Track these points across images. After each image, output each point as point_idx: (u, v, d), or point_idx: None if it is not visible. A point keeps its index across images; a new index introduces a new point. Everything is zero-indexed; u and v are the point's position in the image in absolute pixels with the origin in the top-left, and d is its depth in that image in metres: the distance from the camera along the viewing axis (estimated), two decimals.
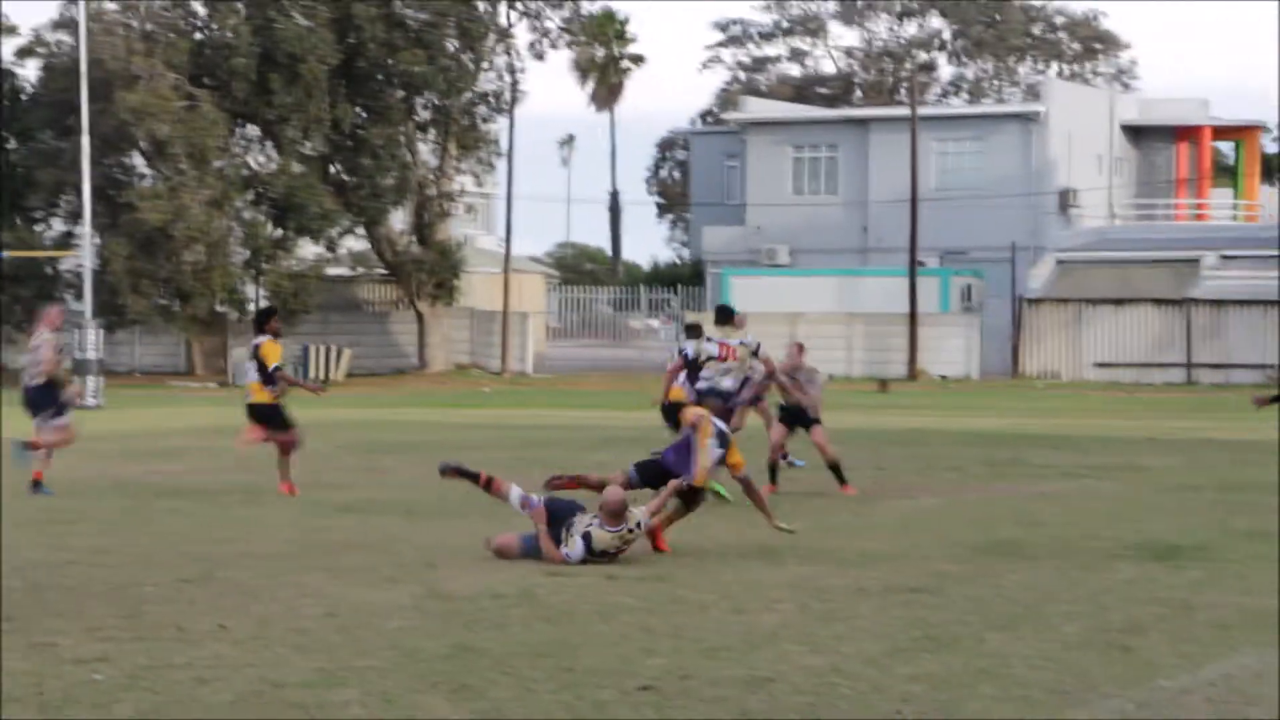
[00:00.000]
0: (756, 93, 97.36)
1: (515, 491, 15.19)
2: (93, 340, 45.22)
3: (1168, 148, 79.26)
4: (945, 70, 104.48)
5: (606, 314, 73.60)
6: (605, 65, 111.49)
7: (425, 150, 64.61)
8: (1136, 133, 78.16)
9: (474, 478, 15.56)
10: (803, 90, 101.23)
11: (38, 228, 64.39)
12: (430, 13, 60.83)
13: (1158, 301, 60.70)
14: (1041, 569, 14.21)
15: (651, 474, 15.90)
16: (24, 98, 63.48)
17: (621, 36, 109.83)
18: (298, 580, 13.47)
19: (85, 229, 50.41)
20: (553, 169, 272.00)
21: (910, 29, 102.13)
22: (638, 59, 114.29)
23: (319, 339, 65.03)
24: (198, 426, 34.71)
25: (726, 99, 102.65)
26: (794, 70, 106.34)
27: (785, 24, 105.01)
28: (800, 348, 21.90)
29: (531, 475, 22.80)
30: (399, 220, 66.44)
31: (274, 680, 9.77)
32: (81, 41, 50.88)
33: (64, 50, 60.09)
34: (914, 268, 61.76)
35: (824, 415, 21.80)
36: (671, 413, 20.19)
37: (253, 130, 62.05)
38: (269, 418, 21.28)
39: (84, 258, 50.56)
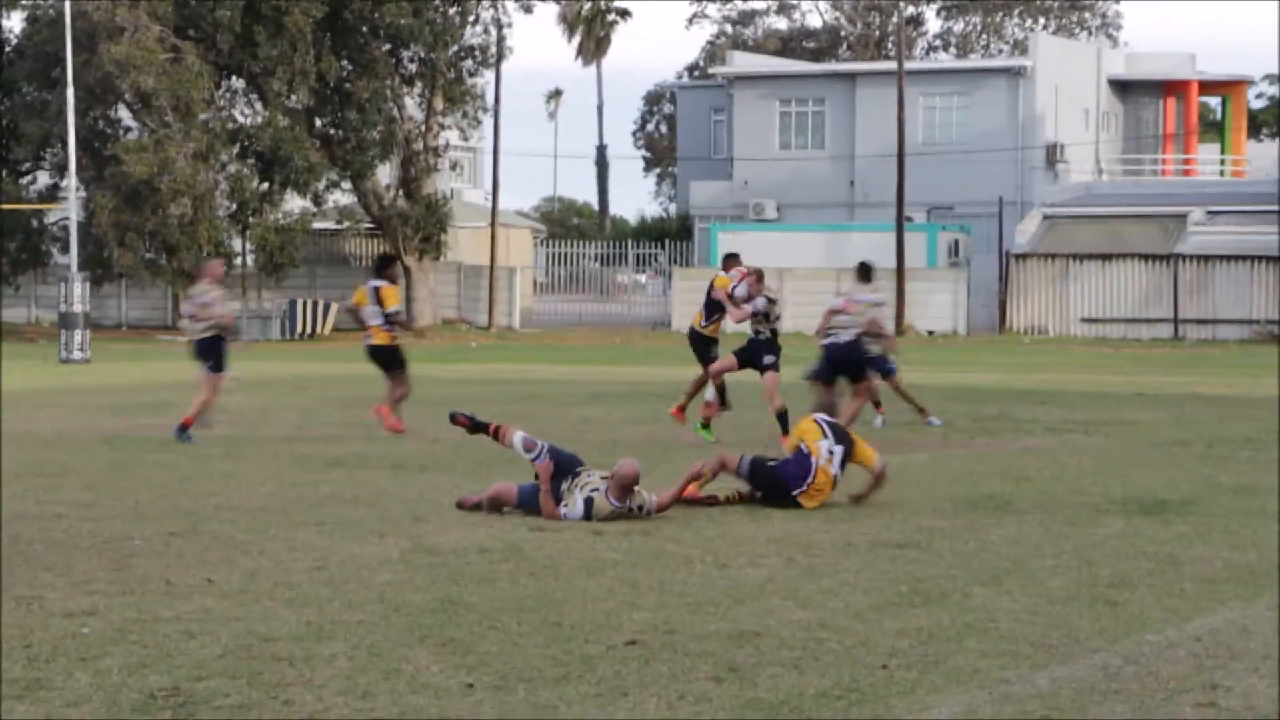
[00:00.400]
0: (743, 47, 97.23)
1: (518, 435, 15.10)
2: (79, 294, 45.11)
3: (1155, 102, 79.22)
4: (932, 24, 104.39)
5: (593, 269, 73.52)
6: (592, 19, 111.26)
7: (411, 104, 64.44)
8: (1124, 87, 78.10)
9: (484, 428, 15.48)
10: (789, 44, 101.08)
11: (23, 180, 64.25)
12: None
13: (1145, 257, 60.73)
14: (1028, 524, 14.23)
15: (764, 478, 15.23)
16: (8, 50, 63.25)
17: None
18: (285, 534, 13.48)
19: (71, 182, 50.27)
20: (540, 123, 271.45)
21: None
22: (624, 13, 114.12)
23: (306, 293, 65.00)
24: (185, 380, 34.65)
25: (713, 53, 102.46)
26: (781, 24, 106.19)
27: None
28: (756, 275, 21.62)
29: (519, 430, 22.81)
30: (385, 174, 66.32)
31: (262, 633, 9.78)
32: None
33: (48, 2, 59.88)
34: (901, 223, 61.73)
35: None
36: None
37: (238, 83, 61.87)
38: (388, 360, 22.67)
39: (70, 211, 50.43)
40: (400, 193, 64.27)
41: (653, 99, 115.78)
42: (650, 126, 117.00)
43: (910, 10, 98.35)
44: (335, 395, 30.07)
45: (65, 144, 50.50)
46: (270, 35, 57.67)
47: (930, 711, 8.19)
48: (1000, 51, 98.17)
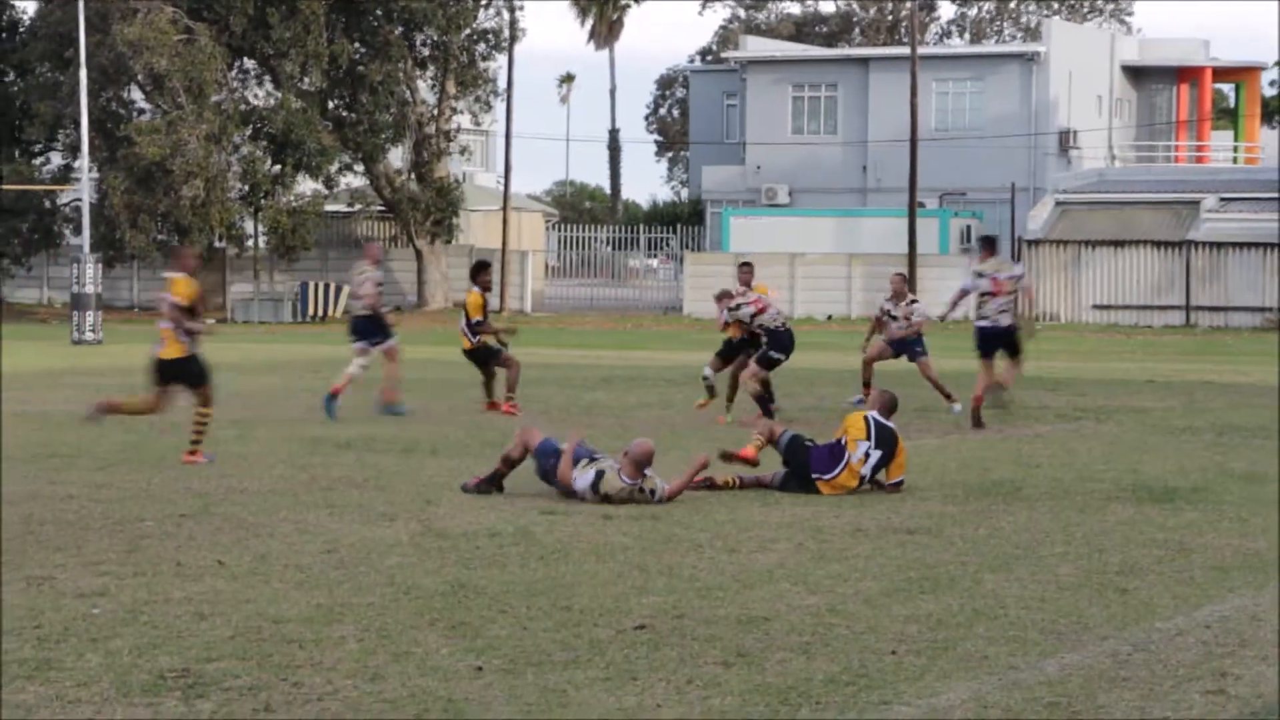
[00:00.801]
0: (756, 31, 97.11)
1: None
2: (91, 275, 45.15)
3: (1168, 89, 79.07)
4: (946, 9, 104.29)
5: (605, 253, 73.46)
6: (604, 2, 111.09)
7: (424, 87, 64.42)
8: (1137, 73, 77.95)
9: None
10: (802, 29, 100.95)
11: (36, 161, 64.31)
12: None
13: (1157, 243, 60.63)
14: (1038, 510, 14.23)
15: (796, 456, 15.29)
16: (22, 30, 63.30)
17: None
18: (296, 517, 13.50)
19: (83, 163, 50.30)
20: (552, 107, 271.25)
21: None
22: None
23: (317, 275, 65.03)
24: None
25: (726, 37, 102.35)
26: (794, 8, 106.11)
27: None
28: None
29: (529, 415, 22.85)
30: (397, 157, 66.31)
31: (272, 616, 9.80)
32: None
33: None
34: (913, 208, 61.66)
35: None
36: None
37: (251, 65, 61.88)
38: (482, 357, 23.68)
39: (82, 192, 50.45)
40: (412, 176, 64.27)
41: (665, 83, 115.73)
42: (663, 111, 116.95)
43: None
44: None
45: (78, 125, 50.55)
46: (283, 17, 57.66)
47: (939, 697, 8.20)
48: (1013, 37, 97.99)
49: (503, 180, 69.62)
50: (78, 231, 55.92)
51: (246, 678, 8.43)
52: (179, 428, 20.62)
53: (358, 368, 22.76)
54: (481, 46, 63.81)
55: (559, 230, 77.47)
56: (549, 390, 27.15)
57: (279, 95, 59.79)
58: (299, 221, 60.01)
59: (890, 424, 15.45)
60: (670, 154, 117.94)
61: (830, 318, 60.20)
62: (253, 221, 61.67)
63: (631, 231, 74.90)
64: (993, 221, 66.36)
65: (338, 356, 37.24)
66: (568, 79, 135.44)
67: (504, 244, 65.08)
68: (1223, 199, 62.94)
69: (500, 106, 68.18)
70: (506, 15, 65.06)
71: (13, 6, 64.23)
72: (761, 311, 22.29)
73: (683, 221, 76.96)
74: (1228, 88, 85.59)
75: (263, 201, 59.68)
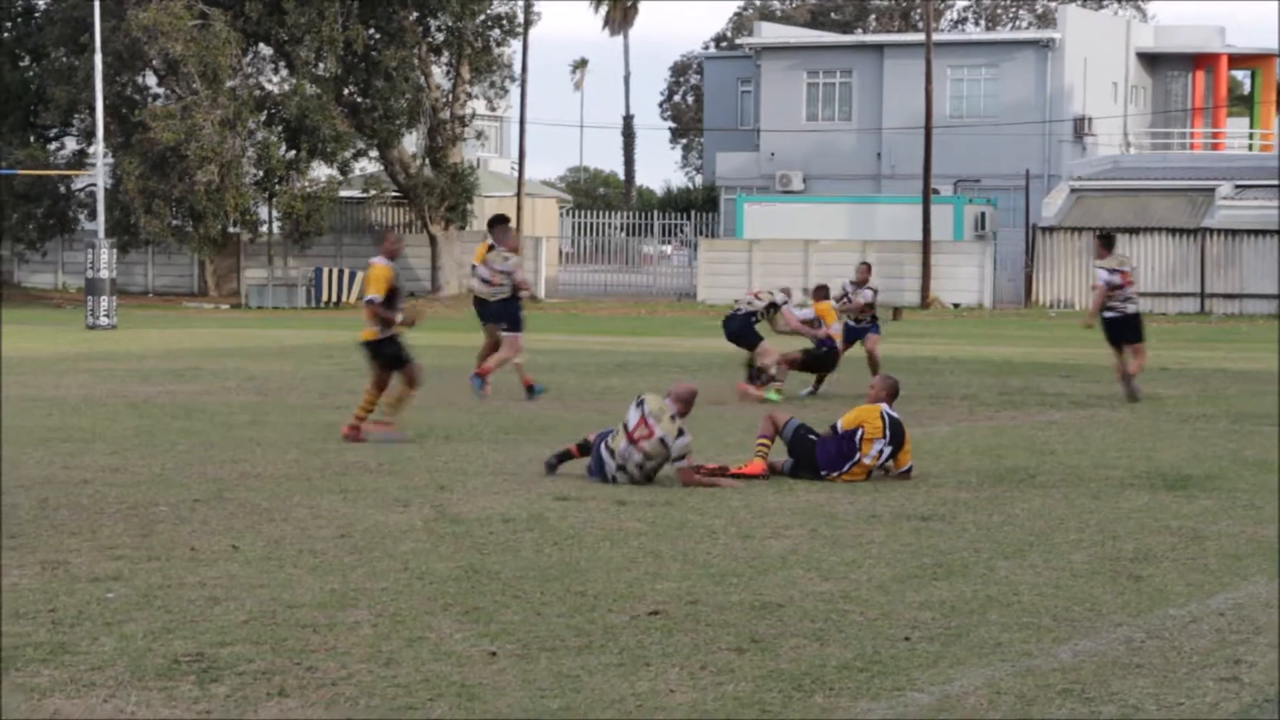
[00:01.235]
0: (771, 17, 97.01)
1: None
2: (106, 260, 45.20)
3: (1183, 76, 78.90)
4: None
5: (619, 239, 73.42)
6: None
7: (438, 73, 64.41)
8: (1152, 60, 77.79)
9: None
10: (817, 15, 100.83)
11: (51, 146, 64.38)
12: None
13: (1172, 231, 60.53)
14: (1052, 497, 14.23)
15: (801, 448, 15.22)
16: (37, 15, 63.34)
17: None
18: (310, 502, 13.52)
19: (98, 148, 50.35)
20: (566, 93, 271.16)
21: None
22: None
23: (331, 261, 65.07)
24: (211, 348, 34.77)
25: (741, 23, 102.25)
26: None
27: None
28: None
29: (544, 400, 22.87)
30: (412, 143, 66.30)
31: (286, 600, 9.82)
32: None
33: None
34: (928, 195, 61.59)
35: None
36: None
37: (266, 50, 61.90)
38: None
39: (97, 177, 50.50)
40: (426, 161, 64.27)
41: (680, 69, 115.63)
42: (677, 97, 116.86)
43: None
44: (360, 363, 30.07)
45: (93, 110, 50.57)
46: (298, 3, 57.65)
47: (952, 684, 8.20)
48: (1029, 24, 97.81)
49: (517, 166, 69.59)
50: (92, 217, 55.97)
51: (261, 662, 8.44)
52: (192, 413, 20.67)
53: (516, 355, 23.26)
54: (496, 32, 63.76)
55: (573, 216, 77.43)
56: (563, 376, 27.15)
57: (294, 81, 59.80)
58: (313, 207, 60.03)
59: (897, 415, 15.44)
60: (684, 140, 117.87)
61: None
62: (267, 207, 61.71)
63: (646, 218, 74.86)
64: (1007, 208, 66.32)
65: (349, 341, 37.28)
66: (581, 65, 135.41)
67: (518, 230, 65.03)
68: (1238, 186, 62.82)
69: (515, 92, 68.23)
70: (520, 1, 65.06)
71: None
72: (810, 323, 24.04)
73: (697, 208, 76.92)
74: (1243, 74, 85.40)
75: (277, 187, 59.70)
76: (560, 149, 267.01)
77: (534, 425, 19.41)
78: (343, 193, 64.19)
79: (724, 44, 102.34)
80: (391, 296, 18.04)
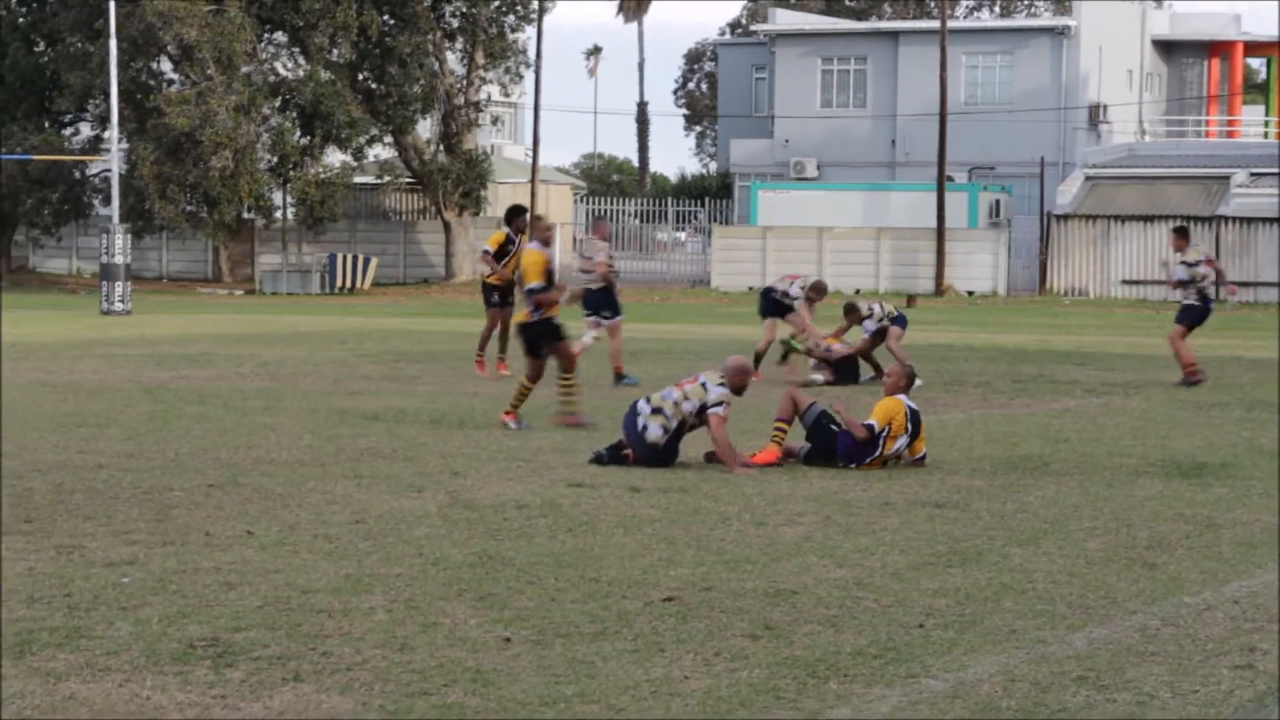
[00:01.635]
0: (785, 4, 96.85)
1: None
2: (120, 245, 45.25)
3: (1199, 63, 78.74)
4: None
5: (633, 226, 73.41)
6: None
7: (453, 59, 64.40)
8: (1167, 48, 77.63)
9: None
10: (832, 2, 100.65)
11: (66, 132, 64.44)
12: None
13: (1187, 218, 60.40)
14: (1066, 485, 14.22)
15: (821, 436, 15.23)
16: (52, 0, 63.36)
17: None
18: (324, 487, 13.53)
19: (113, 134, 50.40)
20: (580, 80, 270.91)
21: None
22: None
23: (345, 247, 65.10)
24: (225, 333, 34.81)
25: (755, 10, 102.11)
26: None
27: None
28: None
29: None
30: (426, 129, 66.30)
31: (301, 586, 9.83)
32: None
33: None
34: (942, 182, 61.52)
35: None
36: None
37: (280, 36, 61.91)
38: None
39: (112, 162, 50.55)
40: (441, 148, 64.27)
41: (694, 56, 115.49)
42: (691, 84, 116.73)
43: None
44: (374, 349, 30.14)
45: (108, 96, 50.62)
46: None
47: (967, 671, 8.20)
48: (1044, 11, 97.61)
49: (531, 153, 69.58)
50: (107, 202, 56.01)
51: (275, 647, 8.46)
52: (207, 398, 20.70)
53: (590, 339, 23.70)
54: (510, 18, 63.76)
55: (587, 203, 77.44)
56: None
57: (308, 67, 59.83)
58: (327, 193, 60.08)
59: (915, 404, 15.46)
60: (699, 127, 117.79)
61: (858, 292, 60.14)
62: (281, 193, 61.75)
63: (659, 205, 74.84)
64: (1022, 196, 66.22)
65: (366, 328, 37.35)
66: (595, 51, 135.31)
67: (532, 216, 64.99)
68: (1253, 174, 62.69)
69: (529, 78, 68.20)
70: None
71: None
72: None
73: (711, 195, 76.89)
74: (1259, 62, 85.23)
75: (291, 173, 59.74)
76: (574, 135, 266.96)
77: (547, 412, 19.41)
78: (357, 179, 64.23)
79: (738, 31, 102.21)
80: (548, 281, 18.38)
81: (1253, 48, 79.77)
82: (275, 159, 59.67)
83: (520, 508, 12.66)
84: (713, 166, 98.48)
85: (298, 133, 59.80)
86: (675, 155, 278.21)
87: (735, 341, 28.71)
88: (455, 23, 63.06)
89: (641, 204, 76.22)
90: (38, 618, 8.98)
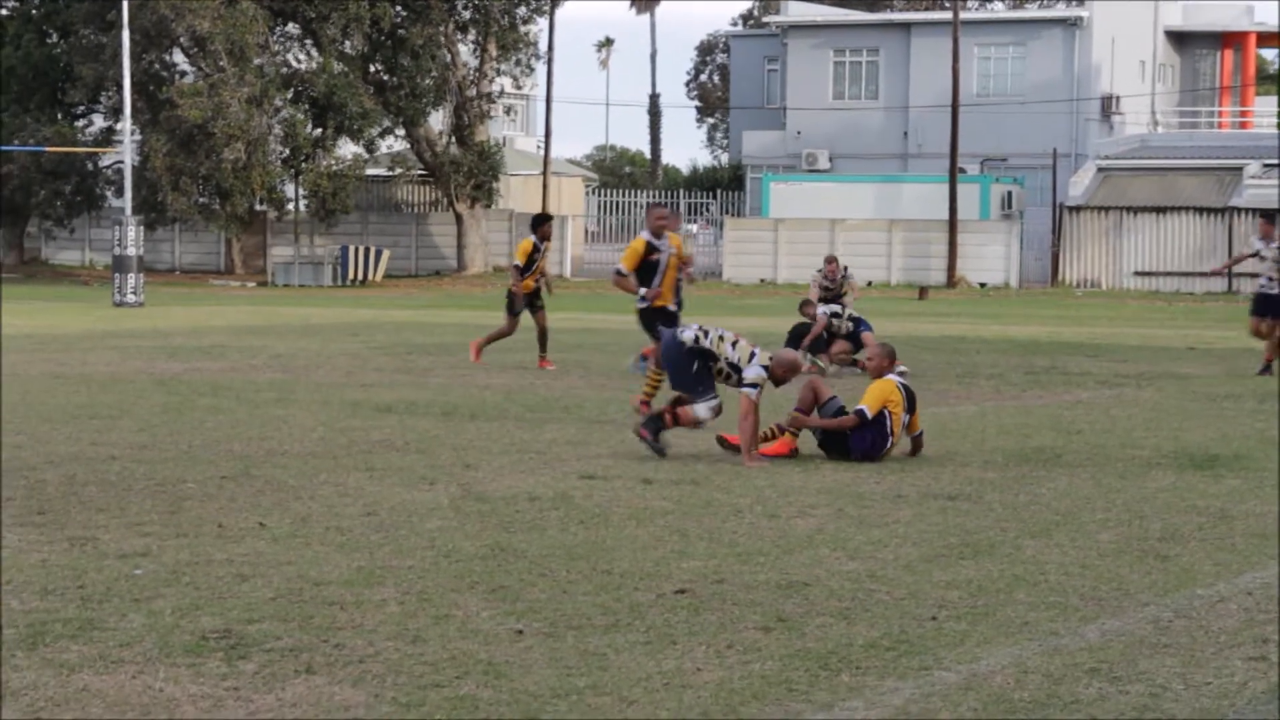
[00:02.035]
0: None
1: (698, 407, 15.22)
2: (133, 237, 45.29)
3: (1212, 54, 78.62)
4: None
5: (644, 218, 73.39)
6: None
7: (465, 51, 64.41)
8: (1181, 39, 77.52)
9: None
10: None
11: (79, 123, 64.51)
12: None
13: (1199, 210, 60.36)
14: (1078, 477, 14.20)
15: (835, 435, 15.14)
16: None
17: None
18: (336, 479, 13.54)
19: (126, 125, 50.45)
20: (592, 71, 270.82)
21: None
22: None
23: (358, 239, 65.14)
24: (238, 325, 34.84)
25: (767, 2, 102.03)
26: None
27: None
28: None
29: (570, 379, 22.91)
30: (438, 121, 66.33)
31: (313, 578, 9.84)
32: None
33: None
34: (954, 174, 61.48)
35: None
36: None
37: (293, 28, 61.94)
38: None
39: (124, 154, 50.60)
40: (453, 140, 64.30)
41: (706, 48, 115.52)
42: (703, 75, 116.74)
43: None
44: (386, 341, 30.16)
45: (120, 87, 50.66)
46: None
47: (979, 663, 8.20)
48: (1056, 2, 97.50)
49: (543, 144, 69.60)
50: (119, 194, 56.10)
51: (288, 639, 8.46)
52: (219, 390, 20.72)
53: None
54: (522, 9, 63.77)
55: (599, 195, 77.47)
56: (589, 355, 27.17)
57: (320, 59, 59.85)
58: (339, 185, 60.11)
59: (905, 380, 15.53)
60: (711, 119, 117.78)
61: (870, 284, 60.13)
62: (293, 185, 61.80)
63: (671, 197, 74.84)
64: (1034, 187, 66.16)
65: (378, 320, 37.36)
66: (607, 43, 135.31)
67: (543, 208, 65.11)
68: (1266, 165, 62.61)
69: (541, 70, 68.17)
70: None
71: None
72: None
73: (723, 187, 76.89)
74: (1272, 53, 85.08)
75: (303, 165, 59.78)
76: (586, 127, 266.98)
77: (559, 404, 19.43)
78: (369, 171, 64.27)
79: (751, 22, 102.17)
80: (646, 271, 18.49)
81: (1266, 38, 79.65)
82: (287, 151, 59.71)
83: (532, 500, 12.66)
84: (724, 158, 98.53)
85: (310, 125, 59.84)
86: (687, 147, 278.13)
87: (746, 334, 28.68)
88: (467, 14, 63.07)
89: (653, 196, 76.21)
90: (51, 609, 8.99)
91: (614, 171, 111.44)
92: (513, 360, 25.32)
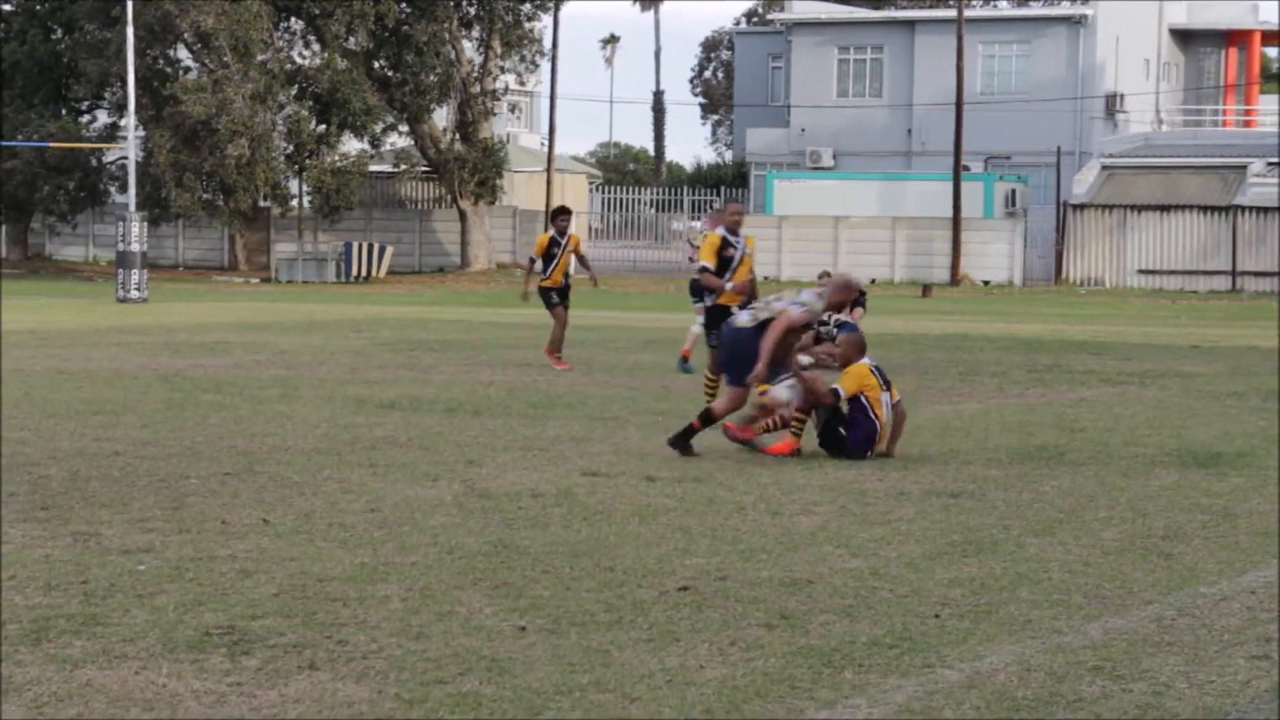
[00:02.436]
0: None
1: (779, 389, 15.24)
2: (136, 233, 45.31)
3: (1216, 53, 78.61)
4: None
5: (649, 215, 73.40)
6: None
7: (469, 47, 64.41)
8: (1185, 37, 77.49)
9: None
10: None
11: (83, 119, 64.53)
12: None
13: (1203, 208, 60.33)
14: (1082, 475, 14.20)
15: (831, 436, 15.13)
16: None
17: None
18: (340, 476, 13.54)
19: (129, 121, 50.47)
20: (597, 68, 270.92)
21: None
22: None
23: (361, 235, 65.15)
24: (241, 321, 34.85)
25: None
26: None
27: None
28: None
29: (573, 376, 22.91)
30: (442, 117, 66.34)
31: (317, 574, 9.84)
32: None
33: None
34: (958, 172, 61.47)
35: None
36: None
37: (297, 24, 61.95)
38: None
39: (128, 150, 50.61)
40: (457, 136, 64.30)
41: (710, 45, 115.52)
42: (707, 73, 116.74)
43: None
44: (389, 338, 30.16)
45: (124, 83, 50.69)
46: None
47: (982, 660, 8.19)
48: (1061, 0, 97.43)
49: (547, 141, 69.60)
50: (123, 190, 56.11)
51: (291, 635, 8.46)
52: (223, 386, 20.72)
53: (700, 326, 23.26)
54: (527, 6, 63.79)
55: (602, 192, 77.44)
56: (592, 351, 27.18)
57: (324, 55, 59.86)
58: (343, 181, 60.13)
59: (873, 361, 15.61)
60: (715, 116, 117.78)
61: (874, 281, 60.13)
62: (297, 181, 61.82)
63: (675, 194, 74.83)
64: (1038, 185, 66.14)
65: (382, 316, 37.37)
66: (611, 40, 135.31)
67: (548, 205, 65.10)
68: (1270, 163, 62.58)
69: (545, 67, 68.19)
70: None
71: None
72: None
73: (727, 184, 76.88)
74: (1276, 51, 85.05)
75: (307, 161, 59.80)
76: (590, 124, 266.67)
77: (562, 401, 19.42)
78: (373, 167, 64.28)
79: (755, 19, 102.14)
80: (722, 265, 18.55)
81: (1270, 37, 79.62)
82: (291, 147, 59.73)
83: (535, 496, 12.66)
84: (728, 155, 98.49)
85: (314, 121, 59.86)
86: (691, 144, 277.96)
87: None
88: (472, 11, 63.07)
89: (657, 193, 76.20)
90: (54, 605, 8.99)
91: (618, 168, 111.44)
92: (515, 357, 25.31)
